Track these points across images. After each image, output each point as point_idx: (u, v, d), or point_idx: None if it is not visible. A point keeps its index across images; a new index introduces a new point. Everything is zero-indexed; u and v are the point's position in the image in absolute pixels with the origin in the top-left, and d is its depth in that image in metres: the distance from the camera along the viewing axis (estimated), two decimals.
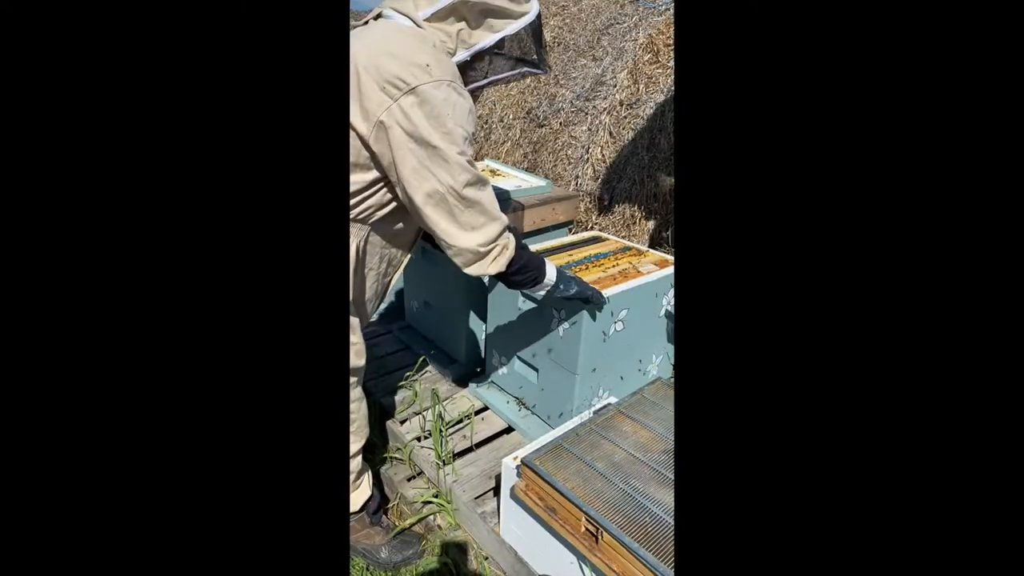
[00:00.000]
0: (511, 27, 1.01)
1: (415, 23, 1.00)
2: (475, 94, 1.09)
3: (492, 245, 1.04)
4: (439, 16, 1.00)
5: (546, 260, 1.19)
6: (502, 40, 1.02)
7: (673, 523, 0.93)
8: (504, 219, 1.06)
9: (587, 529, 0.96)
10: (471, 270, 1.06)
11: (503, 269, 1.07)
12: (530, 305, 1.50)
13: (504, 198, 1.73)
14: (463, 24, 1.00)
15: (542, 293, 1.23)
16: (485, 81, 1.07)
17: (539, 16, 1.07)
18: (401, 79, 0.92)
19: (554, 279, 1.20)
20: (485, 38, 1.01)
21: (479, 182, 1.00)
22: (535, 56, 1.07)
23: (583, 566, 1.00)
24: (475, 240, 1.01)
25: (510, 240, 1.08)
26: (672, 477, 1.03)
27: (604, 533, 0.92)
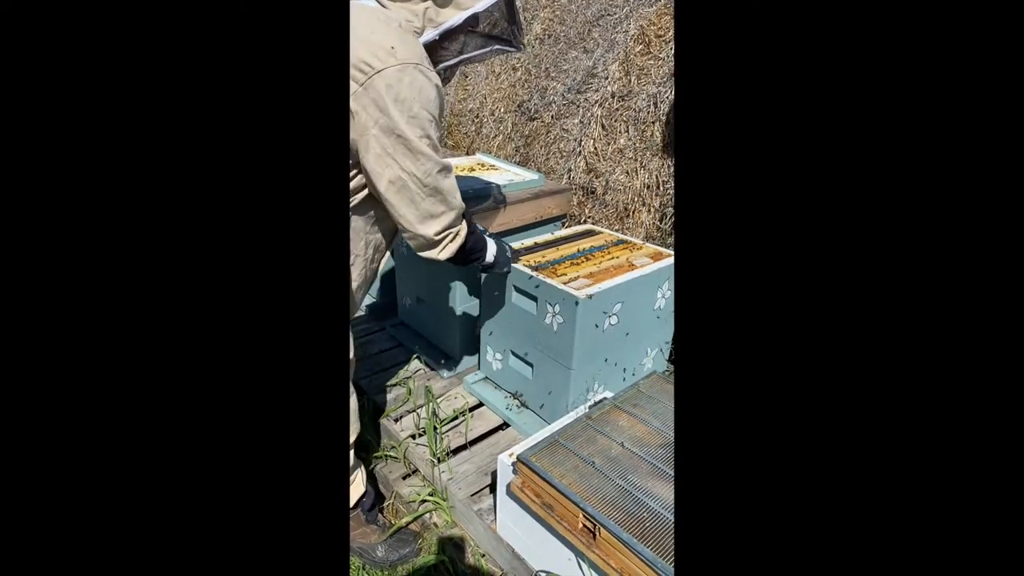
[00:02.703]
0: (481, 3, 0.98)
1: (380, 3, 0.99)
2: (448, 73, 1.08)
3: (446, 233, 1.07)
4: None
5: (488, 240, 1.26)
6: (473, 17, 0.99)
7: (671, 518, 0.92)
8: (460, 206, 1.08)
9: (584, 526, 0.95)
10: (422, 254, 1.11)
11: (452, 255, 1.11)
12: (524, 300, 1.49)
13: (483, 195, 1.70)
14: (429, 2, 0.98)
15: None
16: (455, 60, 1.04)
17: None
18: (366, 63, 0.90)
19: (491, 259, 1.27)
20: (453, 16, 0.98)
21: (443, 169, 1.01)
22: (508, 33, 1.04)
23: (581, 563, 0.99)
24: (431, 229, 1.05)
25: (463, 227, 1.11)
26: (669, 472, 1.03)
27: (601, 529, 0.92)
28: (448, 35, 1.00)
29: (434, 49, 1.02)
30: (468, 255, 1.18)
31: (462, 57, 1.04)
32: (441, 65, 1.04)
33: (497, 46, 1.05)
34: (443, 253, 1.10)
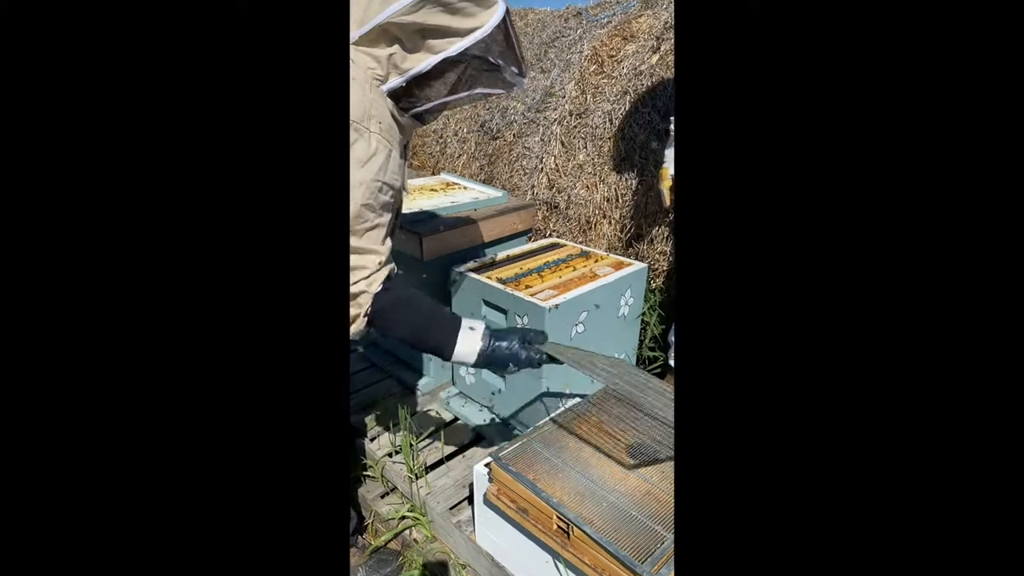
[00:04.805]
0: (456, 47, 0.87)
1: None
2: (427, 116, 0.99)
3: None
4: (367, 39, 0.88)
5: (462, 334, 0.99)
6: (446, 62, 0.89)
7: (636, 516, 0.97)
8: (361, 286, 0.94)
9: (558, 526, 0.99)
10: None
11: (358, 330, 0.97)
12: (494, 312, 1.53)
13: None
14: (396, 48, 0.89)
15: (468, 362, 1.01)
16: (429, 106, 0.95)
17: (501, 26, 0.89)
18: None
19: (471, 359, 1.00)
20: (423, 61, 0.89)
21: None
22: (494, 74, 0.93)
23: (557, 564, 1.02)
24: None
25: (363, 308, 0.96)
26: (638, 469, 1.08)
27: (574, 528, 0.95)
28: (420, 81, 0.91)
29: (402, 95, 0.94)
30: (413, 343, 1.01)
31: (436, 103, 0.94)
32: (413, 111, 0.96)
33: (480, 89, 0.93)
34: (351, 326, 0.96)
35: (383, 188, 0.92)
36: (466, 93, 0.93)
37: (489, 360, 1.01)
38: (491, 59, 0.91)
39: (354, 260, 0.92)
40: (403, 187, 1.06)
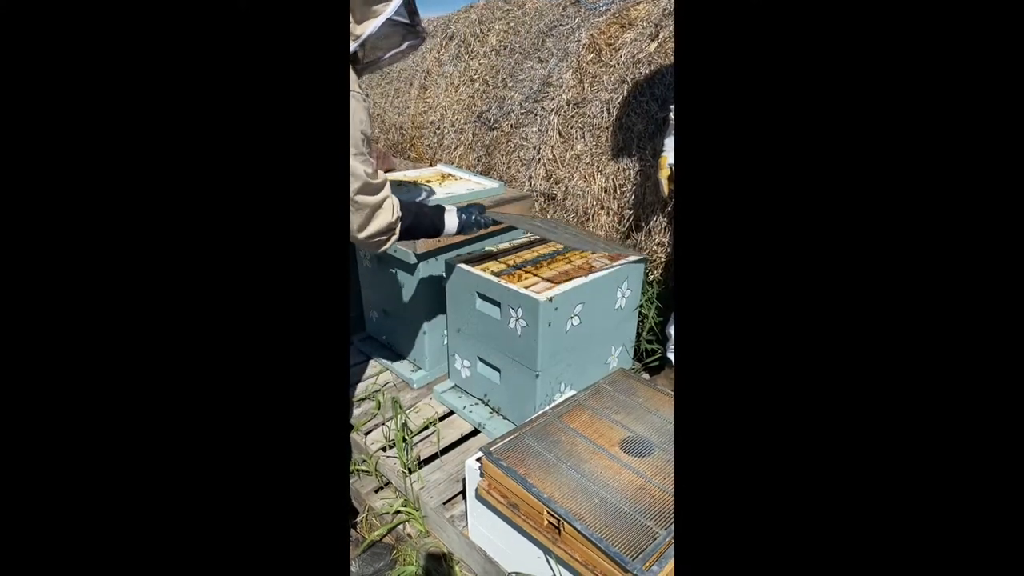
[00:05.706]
0: (391, 7, 1.02)
1: None
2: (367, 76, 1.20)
3: (377, 238, 1.14)
4: None
5: (446, 214, 1.31)
6: (387, 22, 1.04)
7: (628, 511, 0.95)
8: (388, 220, 1.13)
9: (549, 522, 0.97)
10: (371, 251, 1.21)
11: (385, 248, 1.19)
12: (488, 306, 1.51)
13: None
14: (349, 17, 1.02)
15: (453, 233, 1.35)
16: (377, 65, 1.13)
17: None
18: None
19: (454, 230, 1.33)
20: (371, 25, 1.03)
21: (363, 187, 1.05)
22: (409, 29, 1.11)
23: (549, 559, 1.01)
24: (361, 236, 1.12)
25: (394, 235, 1.17)
26: (629, 465, 1.06)
27: (565, 524, 0.94)
28: (363, 43, 1.06)
29: (354, 59, 1.08)
30: (415, 235, 1.27)
31: (383, 60, 1.12)
32: (365, 74, 1.12)
33: (410, 42, 1.12)
34: (379, 250, 1.18)
35: (364, 139, 1.07)
36: (397, 49, 1.12)
37: (462, 228, 1.33)
38: (408, 17, 1.08)
39: (380, 197, 1.09)
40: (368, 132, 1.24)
